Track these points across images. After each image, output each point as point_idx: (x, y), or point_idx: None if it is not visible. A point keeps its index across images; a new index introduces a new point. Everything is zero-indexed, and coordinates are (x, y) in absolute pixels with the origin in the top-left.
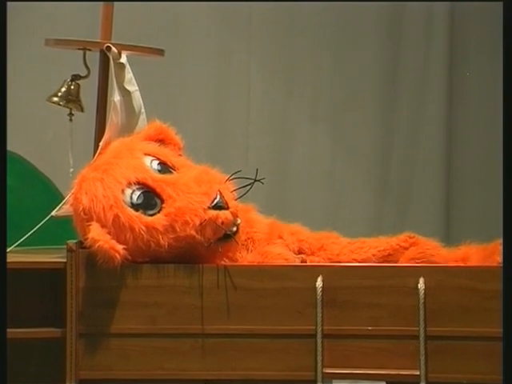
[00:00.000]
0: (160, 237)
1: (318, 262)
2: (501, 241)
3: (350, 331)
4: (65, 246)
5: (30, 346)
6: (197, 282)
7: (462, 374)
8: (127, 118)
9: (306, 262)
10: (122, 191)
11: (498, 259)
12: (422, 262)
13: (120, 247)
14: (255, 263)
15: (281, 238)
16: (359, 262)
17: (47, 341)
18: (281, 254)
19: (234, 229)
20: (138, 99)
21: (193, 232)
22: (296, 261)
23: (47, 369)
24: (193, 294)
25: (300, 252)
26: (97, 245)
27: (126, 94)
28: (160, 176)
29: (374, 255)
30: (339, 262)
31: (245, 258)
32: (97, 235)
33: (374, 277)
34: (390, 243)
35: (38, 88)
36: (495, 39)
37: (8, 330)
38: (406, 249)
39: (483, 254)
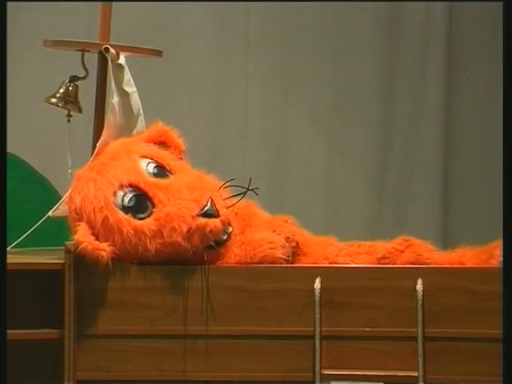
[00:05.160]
0: (147, 241)
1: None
2: (498, 243)
3: (348, 332)
4: (63, 247)
5: (27, 347)
6: (195, 283)
7: (460, 376)
8: (125, 120)
9: (295, 245)
10: (114, 193)
11: (494, 263)
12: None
13: (105, 245)
14: (242, 255)
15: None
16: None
17: (45, 342)
18: (265, 239)
19: (225, 237)
20: (136, 100)
21: (179, 239)
22: (283, 243)
23: (45, 370)
24: (191, 295)
25: (295, 253)
26: (80, 246)
27: (125, 95)
28: (153, 180)
29: (371, 261)
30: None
31: (231, 250)
32: (81, 237)
33: (373, 278)
34: (386, 246)
35: (36, 89)
36: (494, 40)
37: None
38: (402, 252)
39: (479, 258)
